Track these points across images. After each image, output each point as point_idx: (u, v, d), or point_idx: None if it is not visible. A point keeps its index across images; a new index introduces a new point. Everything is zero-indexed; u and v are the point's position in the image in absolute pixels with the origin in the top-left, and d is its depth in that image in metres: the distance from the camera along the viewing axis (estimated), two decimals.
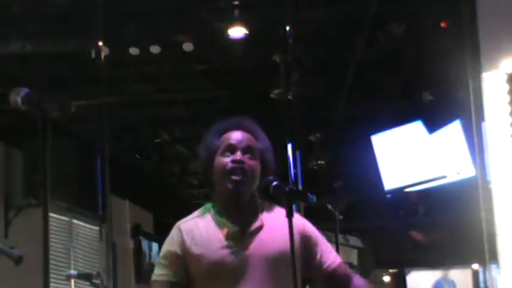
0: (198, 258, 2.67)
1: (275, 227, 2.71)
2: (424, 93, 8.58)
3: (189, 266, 2.69)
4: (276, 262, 2.67)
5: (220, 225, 2.71)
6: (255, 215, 2.74)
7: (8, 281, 6.86)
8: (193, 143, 10.40)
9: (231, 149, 2.73)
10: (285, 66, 6.91)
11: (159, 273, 2.73)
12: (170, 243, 2.74)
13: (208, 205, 2.80)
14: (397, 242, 11.85)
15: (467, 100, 5.90)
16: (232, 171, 2.69)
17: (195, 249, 2.68)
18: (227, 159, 2.71)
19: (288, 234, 2.65)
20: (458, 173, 7.20)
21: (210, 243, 2.68)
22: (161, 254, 2.78)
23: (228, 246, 2.67)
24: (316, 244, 2.82)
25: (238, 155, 2.70)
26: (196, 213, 2.80)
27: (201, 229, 2.71)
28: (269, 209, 2.77)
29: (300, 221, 2.81)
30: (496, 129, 5.41)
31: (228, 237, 2.68)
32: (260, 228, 2.72)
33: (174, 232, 2.76)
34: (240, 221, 2.71)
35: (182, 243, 2.70)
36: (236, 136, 2.76)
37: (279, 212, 2.71)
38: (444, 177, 7.53)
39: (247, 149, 2.73)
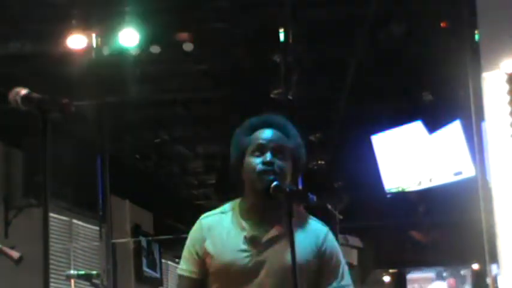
0: (212, 256, 2.67)
1: (296, 238, 2.59)
2: (424, 93, 8.58)
3: (205, 261, 2.69)
4: (290, 273, 2.56)
5: (240, 227, 2.67)
6: (278, 220, 2.66)
7: (8, 281, 6.87)
8: (194, 143, 10.40)
9: (261, 149, 2.66)
10: (285, 66, 6.92)
11: (182, 268, 2.74)
12: (191, 238, 2.74)
13: (236, 201, 2.75)
14: (397, 242, 11.85)
15: (467, 100, 5.91)
16: (263, 173, 2.63)
17: (212, 248, 2.67)
18: (257, 160, 2.65)
19: (307, 248, 2.65)
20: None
21: (227, 243, 2.66)
22: (185, 246, 2.77)
23: (244, 250, 2.64)
24: (327, 263, 2.73)
25: (268, 156, 2.64)
26: (222, 208, 2.76)
27: (222, 227, 2.69)
28: (297, 216, 2.63)
29: (323, 234, 2.74)
30: (496, 129, 5.41)
31: (246, 240, 2.65)
32: (280, 236, 2.65)
33: (196, 226, 2.75)
34: (262, 225, 2.67)
35: (201, 239, 2.70)
36: (266, 135, 2.69)
37: (306, 222, 2.71)
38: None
39: (277, 149, 2.66)
